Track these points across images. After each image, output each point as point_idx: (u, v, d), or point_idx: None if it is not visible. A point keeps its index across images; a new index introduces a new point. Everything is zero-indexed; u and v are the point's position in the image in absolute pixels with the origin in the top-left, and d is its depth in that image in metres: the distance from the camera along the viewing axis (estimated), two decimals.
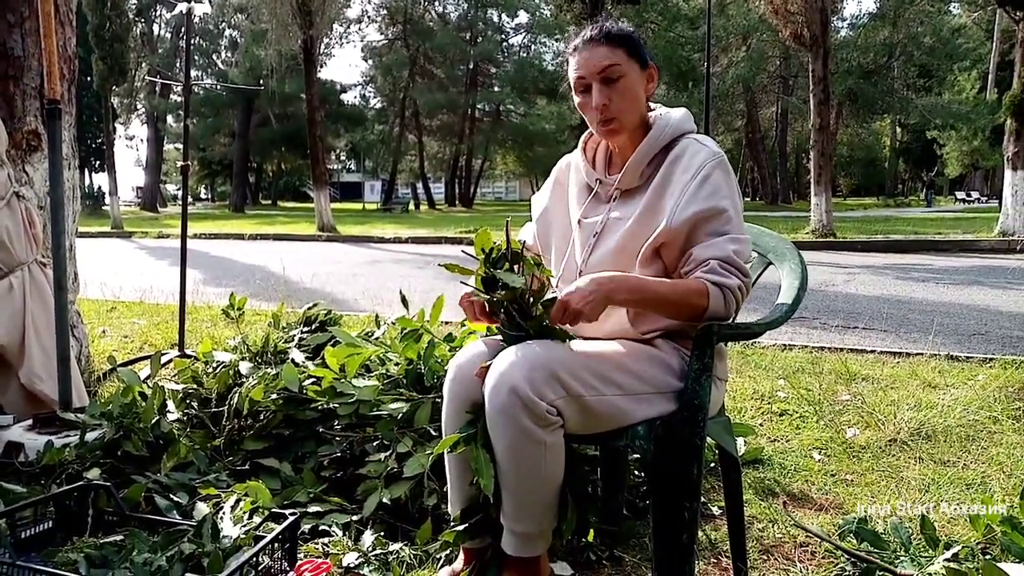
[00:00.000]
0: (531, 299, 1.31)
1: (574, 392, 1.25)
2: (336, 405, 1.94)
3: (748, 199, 39.76)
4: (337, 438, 1.92)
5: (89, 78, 19.17)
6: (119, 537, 1.52)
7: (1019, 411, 2.65)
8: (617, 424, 1.30)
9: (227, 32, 38.33)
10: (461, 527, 1.41)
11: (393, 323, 2.29)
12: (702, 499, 1.92)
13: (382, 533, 1.66)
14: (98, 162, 31.87)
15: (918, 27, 25.86)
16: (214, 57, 39.08)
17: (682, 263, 1.37)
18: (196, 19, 33.74)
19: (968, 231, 12.41)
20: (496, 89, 37.96)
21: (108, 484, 1.66)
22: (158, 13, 34.27)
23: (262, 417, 2.02)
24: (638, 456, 1.86)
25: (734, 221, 1.35)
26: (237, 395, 2.04)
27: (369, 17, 36.63)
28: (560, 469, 1.30)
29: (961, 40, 29.61)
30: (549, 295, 1.33)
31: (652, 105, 1.52)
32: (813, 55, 12.50)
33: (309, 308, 2.68)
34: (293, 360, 2.20)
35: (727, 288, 1.30)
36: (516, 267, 1.32)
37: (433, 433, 1.78)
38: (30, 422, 2.14)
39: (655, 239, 1.35)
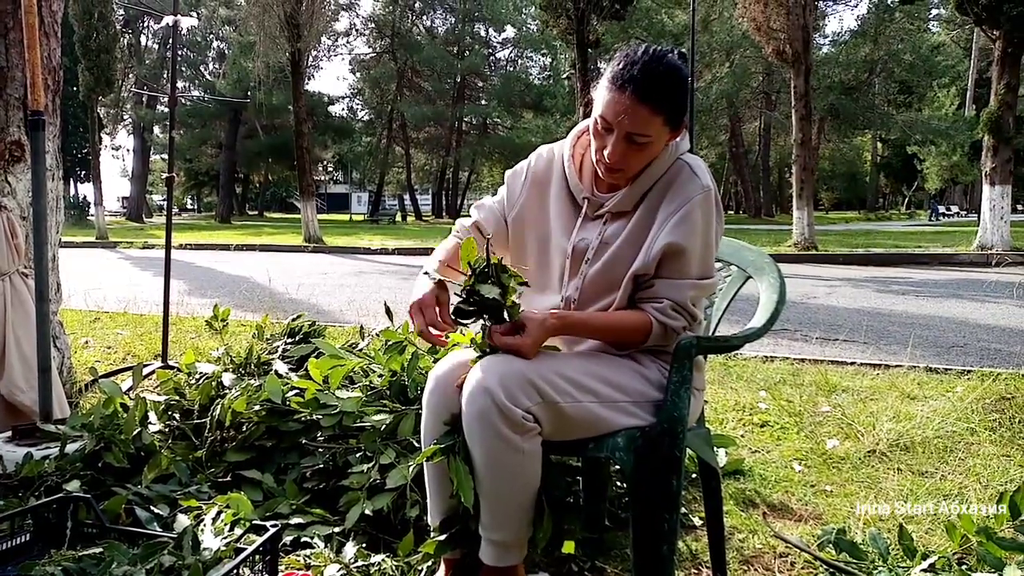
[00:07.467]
0: (507, 314, 1.32)
1: (549, 399, 1.27)
2: (319, 417, 1.93)
3: (732, 212, 40.11)
4: (320, 450, 1.92)
5: (75, 88, 19.04)
6: (98, 550, 1.50)
7: (996, 422, 2.69)
8: (594, 432, 1.32)
9: (215, 44, 38.25)
10: (441, 538, 1.41)
11: (377, 335, 2.29)
12: (683, 510, 1.94)
13: (364, 545, 1.67)
14: (84, 172, 31.53)
15: (898, 44, 26.40)
16: (201, 68, 38.95)
17: (643, 288, 1.41)
18: (183, 31, 33.64)
19: (948, 245, 12.59)
20: (483, 102, 38.15)
21: (88, 496, 1.65)
22: (145, 24, 34.16)
23: (245, 429, 2.02)
24: (619, 467, 1.87)
25: (700, 264, 1.39)
26: (220, 406, 2.03)
27: (357, 30, 36.82)
28: (537, 477, 1.31)
29: (940, 57, 30.23)
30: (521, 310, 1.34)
31: None
32: (795, 71, 12.69)
33: (293, 319, 2.68)
34: (276, 371, 2.20)
35: (671, 328, 1.38)
36: (496, 282, 1.33)
37: (416, 445, 1.79)
38: (9, 433, 2.12)
39: (634, 271, 1.39)
